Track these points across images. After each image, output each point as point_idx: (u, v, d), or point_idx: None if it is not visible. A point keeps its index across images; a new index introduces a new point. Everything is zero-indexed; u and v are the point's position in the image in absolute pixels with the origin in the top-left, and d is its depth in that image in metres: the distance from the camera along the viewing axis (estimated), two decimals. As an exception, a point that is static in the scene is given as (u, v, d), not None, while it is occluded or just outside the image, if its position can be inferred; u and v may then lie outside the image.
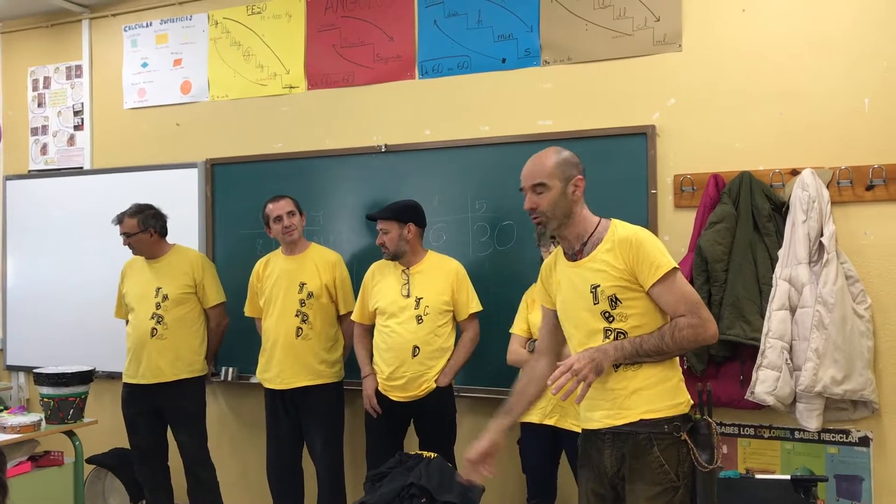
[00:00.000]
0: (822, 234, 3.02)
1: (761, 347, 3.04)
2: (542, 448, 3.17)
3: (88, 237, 4.60)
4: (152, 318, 3.78)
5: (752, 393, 3.04)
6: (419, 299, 3.33)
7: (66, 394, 3.67)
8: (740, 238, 3.16)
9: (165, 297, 3.78)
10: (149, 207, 3.86)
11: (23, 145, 5.06)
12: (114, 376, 4.29)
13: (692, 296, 2.14)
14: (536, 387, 2.35)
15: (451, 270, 3.40)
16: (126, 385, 3.87)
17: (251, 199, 4.08)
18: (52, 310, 4.75)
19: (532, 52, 3.69)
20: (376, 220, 3.41)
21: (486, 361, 3.54)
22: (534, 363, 2.42)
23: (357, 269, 3.76)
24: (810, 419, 3.02)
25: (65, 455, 3.84)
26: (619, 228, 2.21)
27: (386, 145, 3.94)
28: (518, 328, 3.25)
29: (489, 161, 3.70)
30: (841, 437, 3.17)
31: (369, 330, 3.53)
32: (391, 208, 3.42)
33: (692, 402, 2.22)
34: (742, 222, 3.17)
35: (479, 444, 2.28)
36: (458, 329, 3.44)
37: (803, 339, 3.00)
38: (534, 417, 3.10)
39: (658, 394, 2.14)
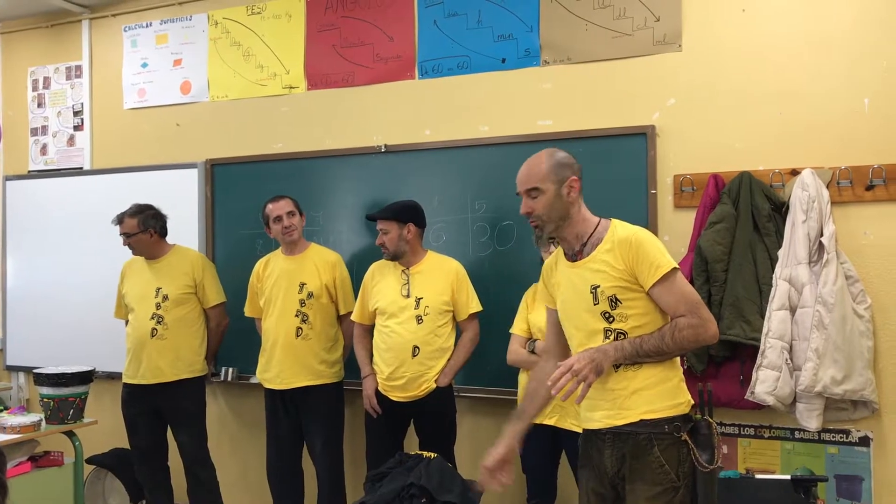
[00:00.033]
0: (821, 234, 3.02)
1: (761, 347, 3.04)
2: (542, 448, 3.17)
3: (88, 238, 4.60)
4: (152, 318, 3.78)
5: (752, 393, 3.04)
6: (419, 299, 3.33)
7: (66, 394, 3.67)
8: (740, 238, 3.16)
9: (165, 298, 3.78)
10: (149, 208, 3.86)
11: (22, 146, 5.06)
12: (114, 376, 4.29)
13: (692, 296, 2.14)
14: (547, 388, 2.35)
15: (451, 270, 3.40)
16: (126, 385, 3.87)
17: (251, 200, 4.08)
18: (52, 310, 4.75)
19: (532, 52, 3.69)
20: (376, 220, 3.40)
21: (486, 361, 3.54)
22: (542, 364, 2.42)
23: (357, 269, 3.76)
24: (810, 419, 3.02)
25: (65, 455, 3.85)
26: (619, 229, 2.20)
27: (386, 145, 3.94)
28: (518, 328, 3.25)
29: (489, 161, 3.70)
30: (841, 437, 3.17)
31: (369, 330, 3.53)
32: (391, 208, 3.42)
33: (693, 402, 2.22)
34: (742, 222, 3.17)
35: (496, 451, 2.27)
36: (458, 329, 3.44)
37: (803, 339, 3.00)
38: (534, 417, 3.10)
39: (658, 394, 2.14)
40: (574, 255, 2.25)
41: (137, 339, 3.78)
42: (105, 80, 4.78)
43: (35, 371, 3.76)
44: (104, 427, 4.15)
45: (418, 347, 3.30)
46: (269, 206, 3.65)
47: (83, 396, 3.75)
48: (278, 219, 3.61)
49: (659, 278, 2.11)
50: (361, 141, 4.01)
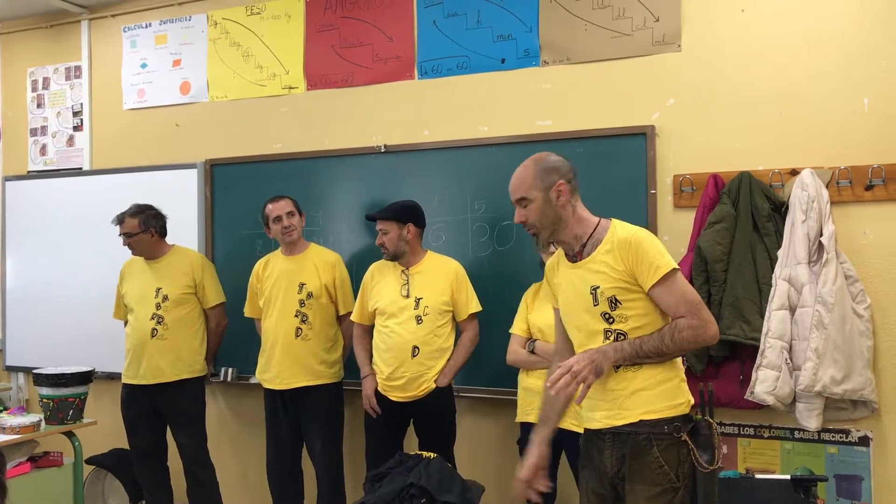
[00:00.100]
0: (821, 234, 3.03)
1: (761, 347, 3.04)
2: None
3: (88, 238, 4.60)
4: (152, 318, 3.77)
5: (752, 393, 3.04)
6: (419, 299, 3.33)
7: (66, 394, 3.66)
8: (740, 238, 3.16)
9: (165, 298, 3.78)
10: (149, 208, 3.86)
11: (22, 146, 5.06)
12: (113, 377, 4.29)
13: (692, 296, 2.14)
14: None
15: (451, 271, 3.40)
16: (125, 386, 3.86)
17: (251, 200, 4.08)
18: (51, 310, 4.75)
19: (531, 53, 3.69)
20: (375, 220, 3.40)
21: (486, 362, 3.54)
22: (554, 367, 2.41)
23: (356, 269, 3.76)
24: (810, 419, 3.02)
25: (64, 456, 3.85)
26: (619, 229, 2.20)
27: (385, 146, 3.94)
28: (518, 328, 3.25)
29: (488, 161, 3.70)
30: (841, 437, 3.17)
31: (369, 330, 3.52)
32: (390, 208, 3.42)
33: (693, 402, 2.22)
34: (741, 222, 3.17)
35: (529, 461, 2.30)
36: (458, 329, 3.44)
37: (803, 339, 3.00)
38: (533, 417, 3.09)
39: (658, 394, 2.14)
40: (574, 256, 2.25)
41: (137, 340, 3.78)
42: (104, 81, 4.78)
43: (35, 371, 3.75)
44: (104, 427, 4.15)
45: (418, 347, 3.30)
46: (269, 206, 3.65)
47: (83, 397, 3.75)
48: (278, 219, 3.61)
49: (659, 279, 2.11)
50: (361, 141, 4.01)
